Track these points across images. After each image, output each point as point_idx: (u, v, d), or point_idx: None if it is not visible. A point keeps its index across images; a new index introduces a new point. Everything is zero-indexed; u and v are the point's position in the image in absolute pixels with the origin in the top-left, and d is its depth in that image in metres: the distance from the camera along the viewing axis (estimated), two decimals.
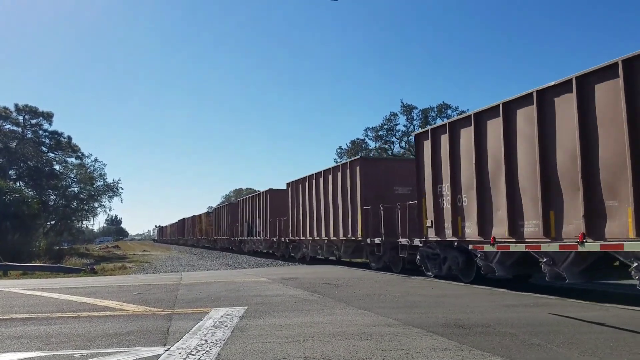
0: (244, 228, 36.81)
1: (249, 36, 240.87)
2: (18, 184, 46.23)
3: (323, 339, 6.02)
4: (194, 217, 65.49)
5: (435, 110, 56.97)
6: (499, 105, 11.07)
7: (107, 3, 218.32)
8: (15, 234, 33.04)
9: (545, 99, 9.92)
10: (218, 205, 69.44)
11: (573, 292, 10.56)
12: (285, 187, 27.90)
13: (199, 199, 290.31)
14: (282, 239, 28.13)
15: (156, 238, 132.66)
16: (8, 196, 32.28)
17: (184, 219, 75.47)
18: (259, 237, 32.82)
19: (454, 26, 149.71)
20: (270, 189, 31.07)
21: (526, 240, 10.27)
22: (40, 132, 51.27)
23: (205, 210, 66.65)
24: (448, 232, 12.93)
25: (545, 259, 9.73)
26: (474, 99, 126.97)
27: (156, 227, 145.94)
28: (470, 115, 12.19)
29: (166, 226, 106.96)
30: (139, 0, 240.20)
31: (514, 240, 10.55)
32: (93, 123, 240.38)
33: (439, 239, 13.36)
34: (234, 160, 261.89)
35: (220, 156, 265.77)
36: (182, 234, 74.08)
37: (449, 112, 56.28)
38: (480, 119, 11.77)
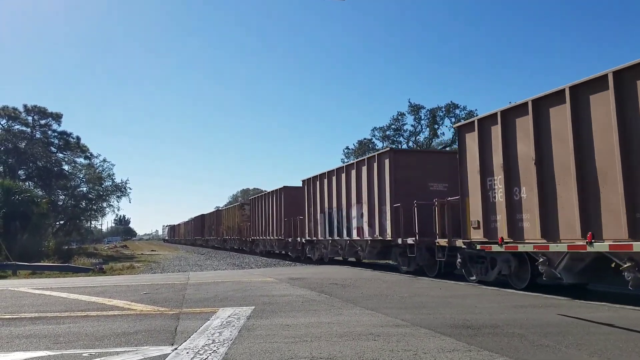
0: (317, 223, 24.07)
1: (255, 36, 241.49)
2: (27, 184, 46.59)
3: (330, 339, 6.01)
4: (218, 211, 53.64)
5: (443, 109, 56.71)
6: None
7: (115, 3, 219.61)
8: (25, 233, 33.23)
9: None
10: (229, 196, 64.27)
11: (581, 292, 10.49)
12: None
13: (205, 200, 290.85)
14: (439, 241, 14.49)
15: (167, 238, 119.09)
16: (17, 196, 32.48)
17: (203, 215, 63.01)
18: (355, 238, 19.74)
19: (462, 27, 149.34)
20: (392, 149, 18.68)
21: None
22: (49, 132, 51.69)
23: (214, 207, 60.52)
24: None
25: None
26: (481, 100, 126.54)
27: (166, 226, 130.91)
28: None
29: (179, 224, 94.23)
30: (146, 6, 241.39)
31: None
32: (101, 124, 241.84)
33: None
34: (241, 161, 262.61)
35: (227, 157, 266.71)
36: (201, 233, 61.63)
37: (457, 111, 56.02)
38: None
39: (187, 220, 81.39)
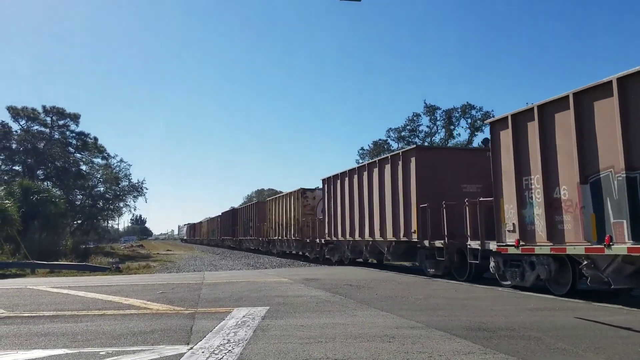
0: (571, 208, 9.88)
1: (270, 37, 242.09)
2: (46, 183, 47.11)
3: (345, 341, 6.01)
4: (260, 203, 41.17)
5: (459, 110, 56.33)
6: None
7: (129, 7, 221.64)
8: (43, 233, 33.66)
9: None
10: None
11: (599, 296, 10.35)
12: None
13: (219, 201, 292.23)
14: None
15: (185, 238, 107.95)
16: (36, 196, 32.89)
17: (234, 209, 51.51)
18: None
19: (478, 27, 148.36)
20: None
21: None
22: (68, 133, 52.20)
23: (229, 207, 53.62)
24: None
25: None
26: (497, 101, 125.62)
27: (184, 225, 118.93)
28: None
29: (200, 222, 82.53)
30: (161, 5, 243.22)
31: None
32: (118, 125, 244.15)
33: None
34: (255, 162, 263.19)
35: (241, 158, 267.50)
36: (232, 233, 49.14)
37: (473, 112, 55.61)
38: None
39: (211, 217, 69.74)
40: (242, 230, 44.86)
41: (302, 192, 29.63)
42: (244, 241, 45.01)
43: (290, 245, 31.73)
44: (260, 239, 38.29)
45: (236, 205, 65.34)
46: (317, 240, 26.46)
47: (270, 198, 35.49)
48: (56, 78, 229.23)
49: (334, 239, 23.57)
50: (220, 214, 59.37)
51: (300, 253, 30.81)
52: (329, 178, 24.47)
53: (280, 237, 32.94)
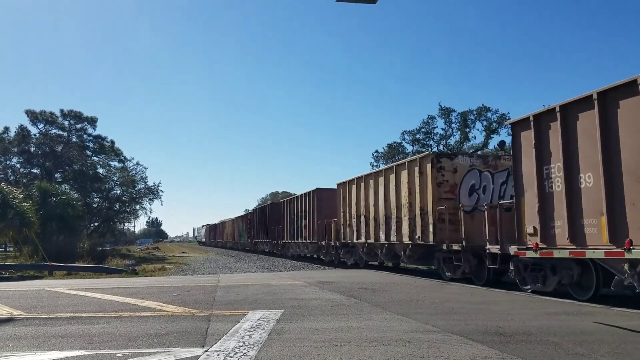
0: None
1: (284, 38, 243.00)
2: (63, 186, 47.75)
3: (360, 344, 5.99)
4: (320, 190, 27.41)
5: (475, 113, 55.97)
6: None
7: (147, 13, 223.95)
8: (61, 235, 34.03)
9: None
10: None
11: (617, 300, 10.20)
12: None
13: (233, 204, 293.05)
14: None
15: (204, 240, 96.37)
16: (54, 198, 33.34)
17: (275, 203, 39.91)
18: None
19: (493, 28, 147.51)
20: None
21: None
22: (85, 136, 52.89)
23: (243, 211, 50.14)
24: None
25: None
26: (513, 103, 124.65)
27: (202, 227, 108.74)
28: None
29: (224, 222, 67.93)
30: (184, 9, 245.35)
31: None
32: (134, 128, 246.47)
33: None
34: (268, 165, 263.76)
35: (254, 161, 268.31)
36: (272, 235, 37.23)
37: (489, 115, 55.19)
38: None
39: (238, 215, 58.64)
40: (289, 231, 32.92)
41: (435, 159, 15.94)
42: (290, 245, 33.26)
43: (393, 252, 18.87)
44: (322, 242, 26.54)
45: (250, 208, 59.09)
46: (489, 247, 13.03)
47: (350, 179, 22.62)
48: (69, 81, 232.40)
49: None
50: (251, 210, 47.92)
51: (424, 268, 19.33)
52: (541, 114, 10.88)
53: (366, 241, 20.51)
